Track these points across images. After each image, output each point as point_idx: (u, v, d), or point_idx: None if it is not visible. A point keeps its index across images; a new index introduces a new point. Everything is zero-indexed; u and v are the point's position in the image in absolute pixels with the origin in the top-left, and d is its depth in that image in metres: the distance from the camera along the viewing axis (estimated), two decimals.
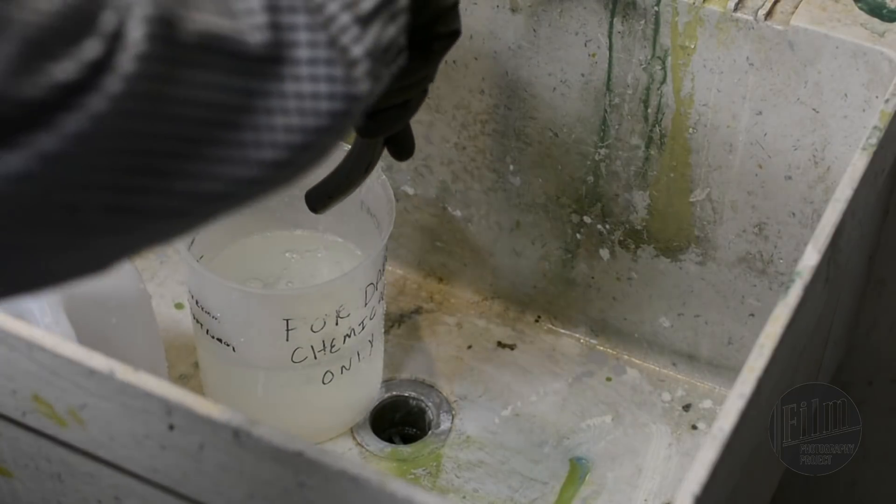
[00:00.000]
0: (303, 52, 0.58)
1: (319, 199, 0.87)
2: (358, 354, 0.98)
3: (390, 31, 0.63)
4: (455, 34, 0.77)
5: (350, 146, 0.86)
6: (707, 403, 1.06)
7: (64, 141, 0.51)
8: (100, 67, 0.52)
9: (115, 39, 0.52)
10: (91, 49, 0.52)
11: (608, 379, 1.08)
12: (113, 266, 0.58)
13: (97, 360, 0.72)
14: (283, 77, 0.58)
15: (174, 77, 0.54)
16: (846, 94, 0.91)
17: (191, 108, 0.55)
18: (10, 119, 0.51)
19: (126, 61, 0.52)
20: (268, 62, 0.57)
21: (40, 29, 0.51)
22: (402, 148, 0.86)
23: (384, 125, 0.80)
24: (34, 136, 0.51)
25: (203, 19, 0.55)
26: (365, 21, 0.61)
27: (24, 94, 0.50)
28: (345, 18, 0.60)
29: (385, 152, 0.87)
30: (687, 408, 1.06)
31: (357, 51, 0.60)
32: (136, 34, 0.53)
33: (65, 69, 0.51)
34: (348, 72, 0.60)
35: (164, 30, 0.54)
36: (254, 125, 0.57)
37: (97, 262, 0.57)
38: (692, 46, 0.95)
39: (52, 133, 0.51)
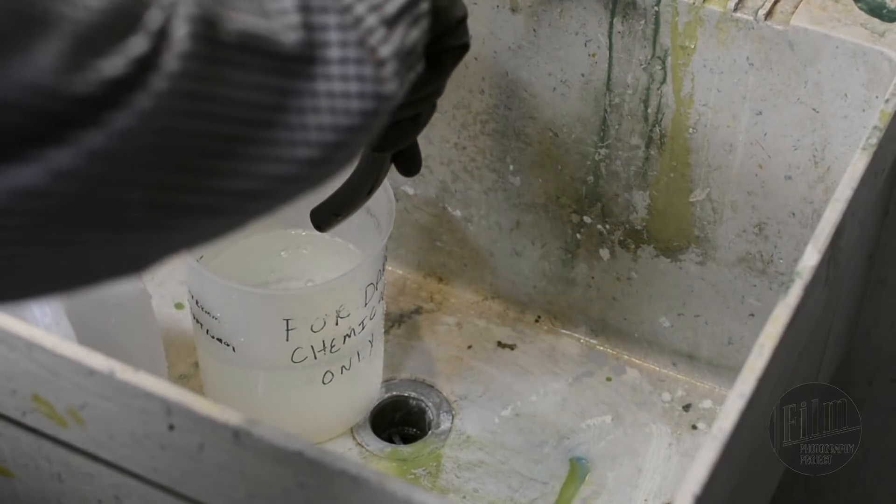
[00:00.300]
0: (334, 52, 0.59)
1: (325, 217, 0.88)
2: (358, 354, 0.98)
3: (414, 34, 0.64)
4: (465, 47, 0.78)
5: (356, 162, 0.86)
6: (707, 403, 1.06)
7: (111, 138, 0.52)
8: (146, 65, 0.53)
9: (161, 37, 0.53)
10: (137, 46, 0.52)
11: (608, 379, 1.08)
12: (153, 265, 0.58)
13: (97, 360, 0.72)
14: (315, 76, 0.58)
15: (214, 76, 0.55)
16: (846, 94, 0.91)
17: (229, 107, 0.56)
18: (62, 116, 0.51)
19: (171, 60, 0.53)
20: (301, 61, 0.58)
21: (90, 26, 0.51)
22: (410, 164, 0.86)
23: (395, 139, 0.81)
24: (83, 133, 0.52)
25: (241, 19, 0.56)
26: (391, 23, 0.62)
27: (75, 90, 0.51)
28: (372, 20, 0.61)
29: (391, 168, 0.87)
30: (687, 408, 1.06)
31: (385, 51, 0.61)
32: (181, 33, 0.53)
33: (113, 65, 0.52)
34: (377, 71, 0.60)
35: (207, 29, 0.54)
36: (287, 124, 0.58)
37: (138, 261, 0.58)
38: (692, 46, 0.95)
39: (100, 130, 0.52)
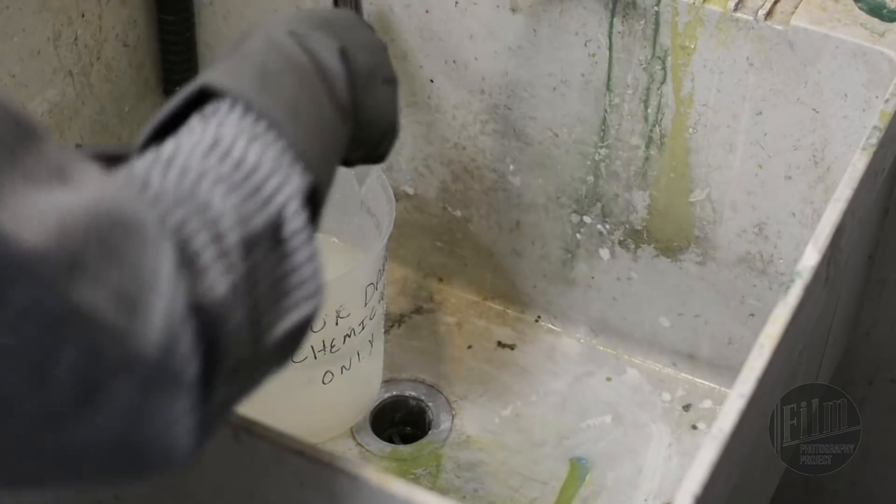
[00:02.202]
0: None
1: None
2: (358, 354, 0.98)
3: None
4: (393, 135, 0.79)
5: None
6: (707, 403, 1.06)
7: None
8: None
9: None
10: None
11: (608, 379, 1.08)
12: None
13: None
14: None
15: None
16: (846, 94, 0.91)
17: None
18: None
19: None
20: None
21: None
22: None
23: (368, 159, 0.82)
24: None
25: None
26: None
27: None
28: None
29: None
30: (687, 408, 1.06)
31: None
32: None
33: None
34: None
35: None
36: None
37: None
38: (692, 46, 0.95)
39: None
